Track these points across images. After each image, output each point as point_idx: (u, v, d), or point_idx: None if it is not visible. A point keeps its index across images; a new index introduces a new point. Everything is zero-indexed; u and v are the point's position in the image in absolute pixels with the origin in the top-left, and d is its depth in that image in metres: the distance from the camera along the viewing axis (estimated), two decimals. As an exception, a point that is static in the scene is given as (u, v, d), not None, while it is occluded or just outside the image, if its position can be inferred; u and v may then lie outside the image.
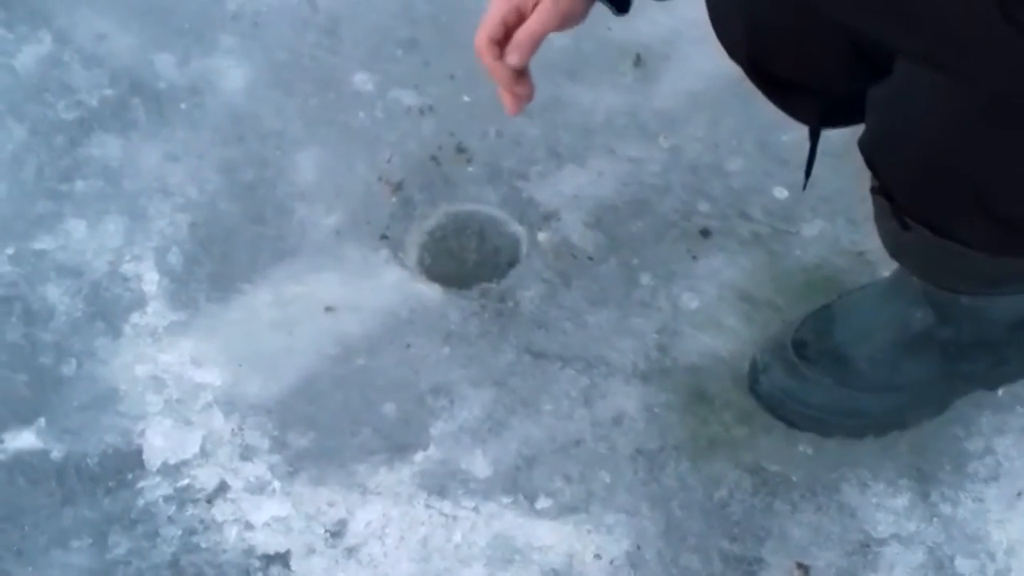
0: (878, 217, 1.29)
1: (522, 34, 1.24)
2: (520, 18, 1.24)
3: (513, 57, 1.24)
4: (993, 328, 1.38)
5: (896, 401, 1.44)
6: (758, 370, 1.47)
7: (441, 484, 1.43)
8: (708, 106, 1.76)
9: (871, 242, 1.48)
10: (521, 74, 1.26)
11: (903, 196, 1.20)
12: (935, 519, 1.41)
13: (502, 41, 1.24)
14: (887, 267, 1.50)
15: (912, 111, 1.09)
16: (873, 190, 1.24)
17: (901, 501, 1.42)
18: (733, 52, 1.26)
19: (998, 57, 0.96)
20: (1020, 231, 1.15)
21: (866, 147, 1.17)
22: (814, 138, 1.32)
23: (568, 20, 1.25)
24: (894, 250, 1.33)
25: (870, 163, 1.19)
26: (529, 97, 1.28)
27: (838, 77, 1.21)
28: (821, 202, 1.65)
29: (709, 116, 1.73)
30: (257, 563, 1.38)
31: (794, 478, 1.44)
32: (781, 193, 1.66)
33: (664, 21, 1.84)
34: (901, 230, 1.25)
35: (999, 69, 0.98)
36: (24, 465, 1.45)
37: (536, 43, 1.24)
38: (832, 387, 1.43)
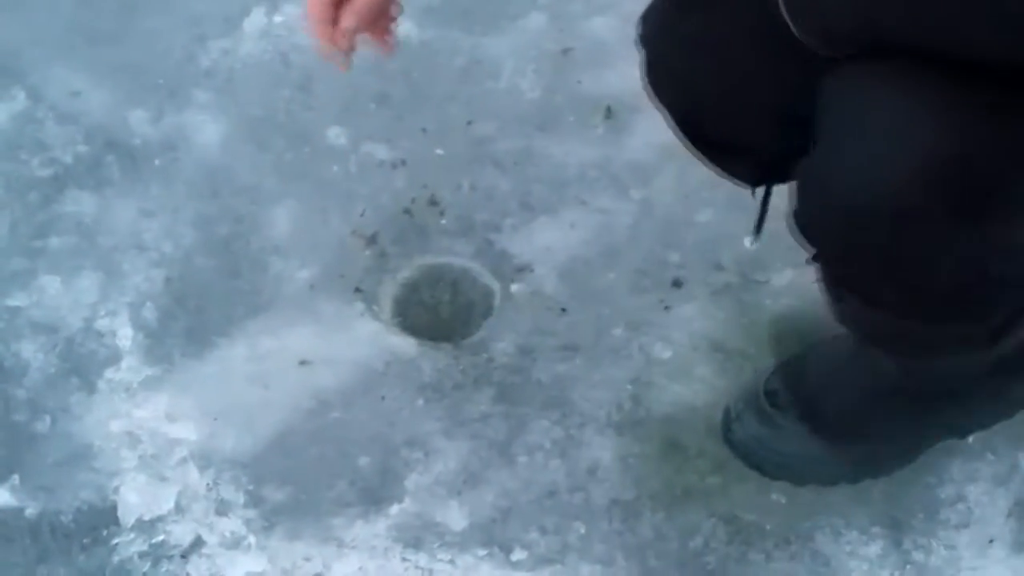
0: (820, 284, 1.32)
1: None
2: None
3: (349, 20, 1.23)
4: (958, 380, 1.40)
5: (868, 449, 1.45)
6: (731, 419, 1.49)
7: (417, 537, 1.43)
8: (678, 157, 1.74)
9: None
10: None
11: (832, 266, 1.24)
12: (908, 566, 1.42)
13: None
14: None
15: (836, 183, 1.10)
16: (808, 260, 1.25)
17: (874, 549, 1.43)
18: (669, 116, 1.31)
19: None
20: (936, 297, 1.18)
21: (797, 218, 1.19)
22: (764, 196, 1.35)
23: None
24: (835, 316, 1.35)
25: (803, 233, 1.20)
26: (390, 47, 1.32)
27: (770, 140, 1.25)
28: (790, 251, 1.63)
29: (679, 167, 1.75)
30: (233, 619, 1.38)
31: (768, 527, 1.45)
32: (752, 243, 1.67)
33: (634, 74, 1.83)
34: (836, 301, 1.29)
35: None
36: (-2, 523, 1.44)
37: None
38: (804, 435, 1.44)
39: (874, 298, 1.23)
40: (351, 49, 1.26)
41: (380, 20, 1.30)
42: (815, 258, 1.22)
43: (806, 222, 1.17)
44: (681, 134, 1.33)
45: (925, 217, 1.06)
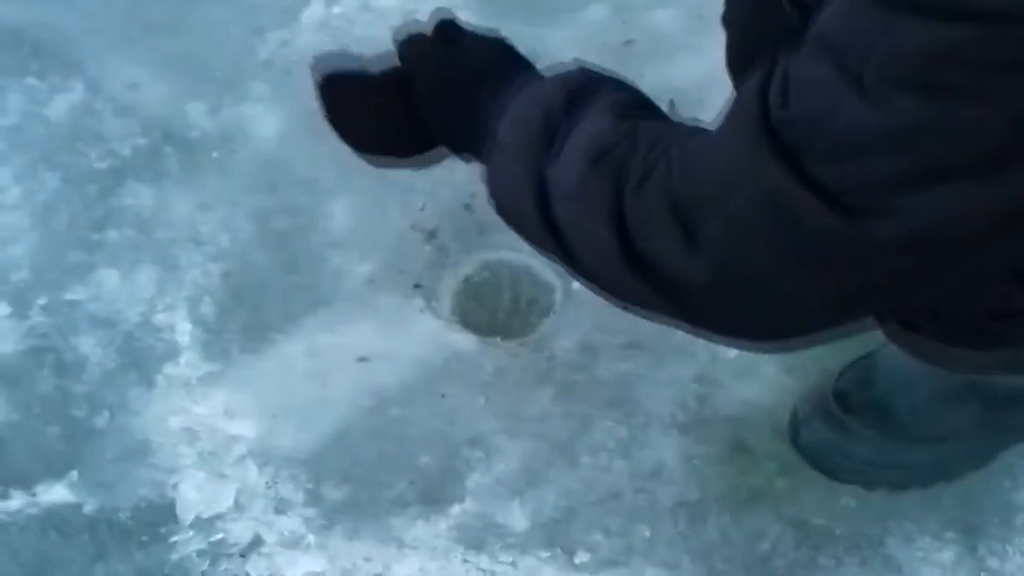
0: None
1: None
2: None
3: None
4: None
5: (940, 452, 1.41)
6: (799, 422, 1.45)
7: (478, 538, 1.41)
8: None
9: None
10: None
11: None
12: (983, 574, 1.38)
13: None
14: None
15: None
16: None
17: (947, 555, 1.39)
18: None
19: None
20: (962, 329, 1.17)
21: None
22: None
23: None
24: (886, 336, 1.32)
25: None
26: None
27: None
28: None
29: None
30: (292, 619, 1.36)
31: (838, 531, 1.41)
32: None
33: (697, 67, 1.83)
34: (881, 323, 1.27)
35: None
36: (56, 519, 1.43)
37: None
38: (875, 439, 1.41)
39: (914, 326, 1.21)
40: None
41: None
42: None
43: None
44: None
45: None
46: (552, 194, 1.07)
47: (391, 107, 1.24)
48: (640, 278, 1.01)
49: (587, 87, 1.10)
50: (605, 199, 1.01)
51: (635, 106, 1.10)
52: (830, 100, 0.87)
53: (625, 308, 1.13)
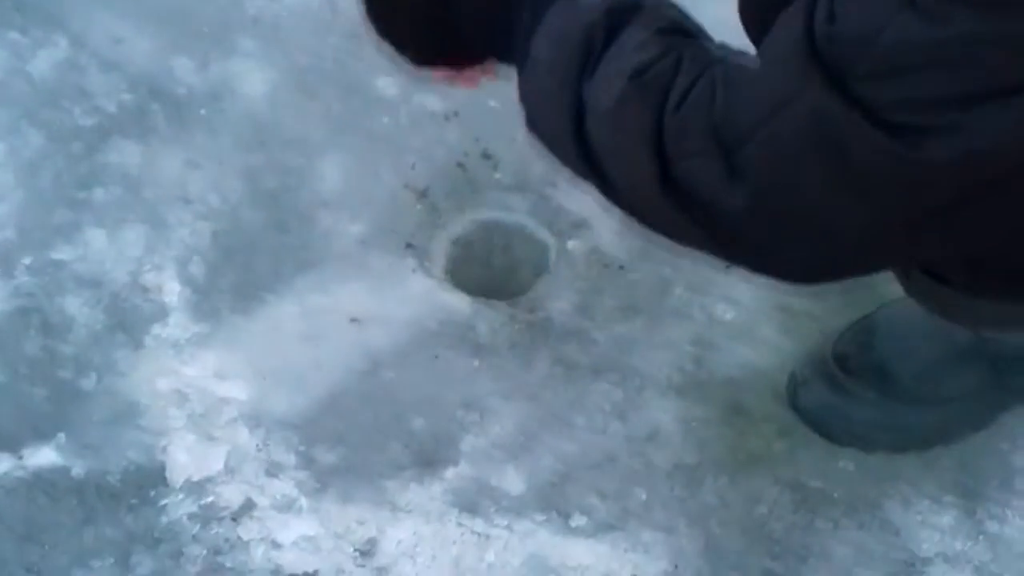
0: None
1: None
2: None
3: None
4: None
5: (941, 415, 1.40)
6: (798, 384, 1.44)
7: (473, 501, 1.39)
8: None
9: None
10: None
11: None
12: (981, 537, 1.37)
13: None
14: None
15: None
16: None
17: (946, 519, 1.38)
18: None
19: None
20: (999, 277, 1.14)
21: None
22: None
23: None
24: (906, 291, 1.29)
25: None
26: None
27: None
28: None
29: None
30: (285, 583, 1.35)
31: (836, 495, 1.40)
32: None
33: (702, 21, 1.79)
34: (904, 276, 1.24)
35: None
36: (44, 482, 1.41)
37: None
38: (875, 401, 1.40)
39: (943, 278, 1.18)
40: None
41: None
42: None
43: None
44: None
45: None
46: (588, 113, 1.02)
47: (432, 9, 1.18)
48: (675, 203, 0.98)
49: (628, 4, 1.06)
50: (643, 118, 0.98)
51: (678, 25, 1.05)
52: (880, 15, 0.84)
53: (667, 236, 1.09)
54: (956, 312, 1.26)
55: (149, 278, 1.57)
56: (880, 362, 1.40)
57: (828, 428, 1.42)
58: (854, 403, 1.40)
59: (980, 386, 1.38)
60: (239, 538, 1.37)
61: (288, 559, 1.35)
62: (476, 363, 1.50)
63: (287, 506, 1.39)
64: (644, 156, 0.98)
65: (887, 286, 1.50)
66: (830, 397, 1.41)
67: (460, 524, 1.37)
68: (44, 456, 1.42)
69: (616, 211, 1.59)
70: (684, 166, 0.96)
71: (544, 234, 1.62)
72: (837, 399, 1.40)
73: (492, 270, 1.62)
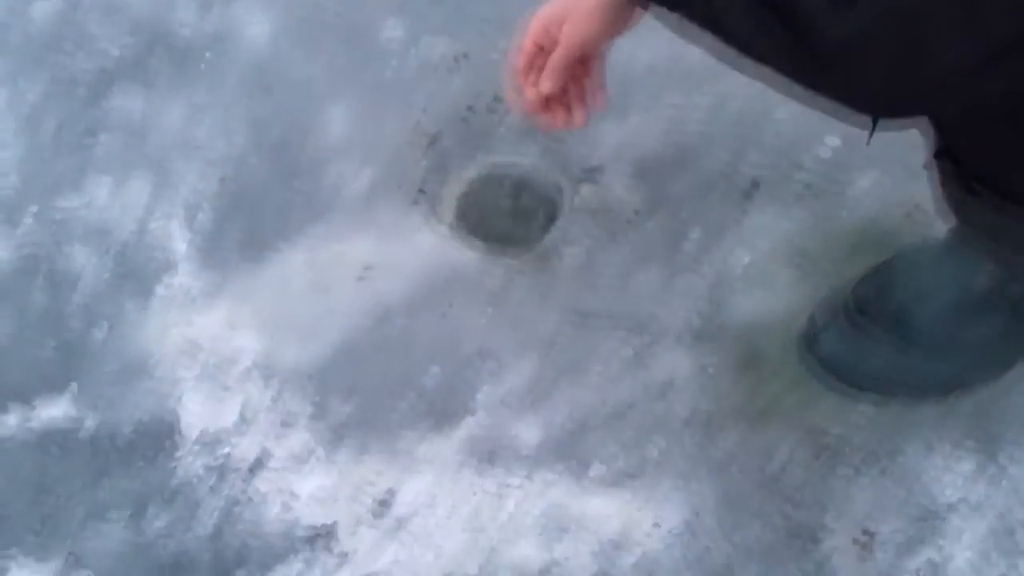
0: (943, 183, 1.23)
1: (554, 60, 1.22)
2: (553, 41, 1.21)
3: (545, 84, 1.23)
4: None
5: (961, 361, 1.39)
6: (817, 329, 1.42)
7: (491, 452, 1.38)
8: (753, 52, 1.68)
9: (927, 193, 1.43)
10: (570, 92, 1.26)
11: (969, 157, 1.15)
12: (1004, 481, 1.37)
13: (539, 62, 1.24)
14: (945, 220, 1.44)
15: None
16: (937, 154, 1.18)
17: (967, 465, 1.37)
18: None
19: None
20: None
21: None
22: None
23: (596, 39, 1.22)
24: (961, 217, 1.26)
25: (937, 124, 1.13)
26: (599, 107, 1.29)
27: None
28: (874, 150, 1.58)
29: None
30: (303, 535, 1.33)
31: (855, 441, 1.39)
32: (833, 142, 1.59)
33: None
34: (967, 195, 1.19)
35: None
36: (57, 434, 1.40)
37: (568, 67, 1.22)
38: (894, 346, 1.38)
39: (1014, 192, 1.13)
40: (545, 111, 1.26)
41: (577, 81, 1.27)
42: (943, 152, 1.14)
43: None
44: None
45: None
46: None
47: None
48: (772, 15, 0.96)
49: None
50: None
51: None
52: None
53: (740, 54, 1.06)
54: (1013, 239, 1.23)
55: (157, 227, 1.54)
56: (900, 308, 1.38)
57: (847, 374, 1.40)
58: (873, 348, 1.38)
59: (1000, 333, 1.37)
60: (256, 490, 1.36)
61: (305, 511, 1.35)
62: (489, 311, 1.48)
63: (303, 458, 1.37)
64: None
65: (904, 229, 1.49)
66: (849, 342, 1.39)
67: (478, 475, 1.36)
68: (56, 408, 1.41)
69: (629, 156, 1.59)
70: None
71: (556, 180, 1.60)
72: (856, 345, 1.39)
73: (503, 218, 1.60)
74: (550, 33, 1.22)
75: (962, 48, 0.92)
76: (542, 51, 1.24)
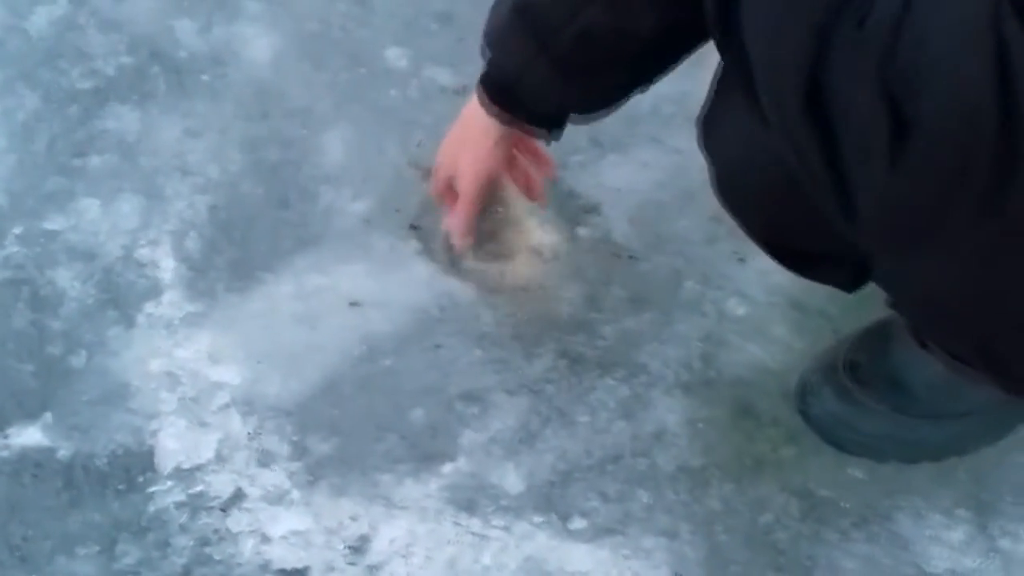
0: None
1: (456, 220, 1.45)
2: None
3: (463, 241, 1.48)
4: None
5: (956, 428, 1.35)
6: (808, 391, 1.39)
7: (470, 499, 1.35)
8: (760, 96, 1.65)
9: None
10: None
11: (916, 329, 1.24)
12: (993, 554, 1.33)
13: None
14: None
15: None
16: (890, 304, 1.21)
17: (958, 534, 1.34)
18: (751, 235, 1.25)
19: None
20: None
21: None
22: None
23: (492, 180, 1.41)
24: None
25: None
26: (549, 175, 1.50)
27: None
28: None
29: (761, 107, 1.63)
30: (274, 578, 1.31)
31: (845, 504, 1.36)
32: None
33: (715, 2, 1.73)
34: (920, 347, 1.26)
35: None
36: (29, 462, 1.37)
37: (472, 221, 1.44)
38: (887, 414, 1.35)
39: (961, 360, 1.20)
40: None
41: (514, 170, 1.44)
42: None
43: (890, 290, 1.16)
44: (765, 249, 1.26)
45: None
46: None
47: None
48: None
49: None
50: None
51: None
52: None
53: None
54: (972, 378, 1.24)
55: (144, 252, 1.52)
56: (893, 373, 1.35)
57: (838, 438, 1.37)
58: (864, 415, 1.35)
59: (997, 399, 1.33)
60: (228, 530, 1.33)
61: (277, 553, 1.31)
62: (478, 353, 1.46)
63: (278, 498, 1.34)
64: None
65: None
66: (839, 407, 1.36)
67: (456, 523, 1.33)
68: (30, 435, 1.38)
69: (629, 198, 1.56)
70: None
71: (554, 219, 1.57)
72: (847, 410, 1.35)
73: (499, 256, 1.57)
74: (452, 173, 1.40)
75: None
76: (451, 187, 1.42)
